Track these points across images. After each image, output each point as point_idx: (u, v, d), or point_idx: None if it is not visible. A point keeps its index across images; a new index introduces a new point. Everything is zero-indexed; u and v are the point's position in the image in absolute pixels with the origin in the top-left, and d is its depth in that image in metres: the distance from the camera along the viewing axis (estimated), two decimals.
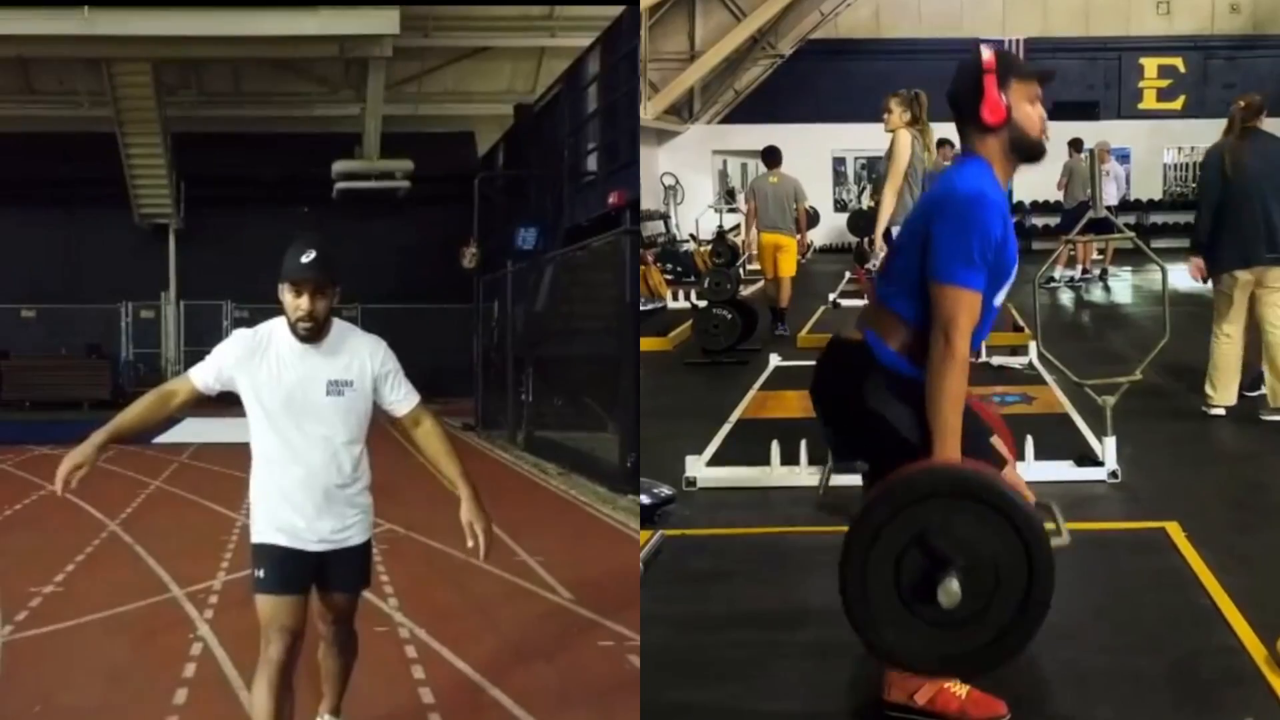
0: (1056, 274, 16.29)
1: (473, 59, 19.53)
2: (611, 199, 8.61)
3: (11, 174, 19.12)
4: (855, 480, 3.75)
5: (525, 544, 6.38)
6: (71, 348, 18.72)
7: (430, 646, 4.42)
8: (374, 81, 17.79)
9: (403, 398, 3.10)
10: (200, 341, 20.00)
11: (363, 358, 3.00)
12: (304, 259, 2.90)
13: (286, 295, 2.92)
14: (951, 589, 2.91)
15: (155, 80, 17.72)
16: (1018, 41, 26.12)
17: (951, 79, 3.24)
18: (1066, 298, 15.71)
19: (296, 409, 2.95)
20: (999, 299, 3.24)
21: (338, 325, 3.02)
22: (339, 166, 19.45)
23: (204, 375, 3.03)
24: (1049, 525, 3.14)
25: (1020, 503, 3.01)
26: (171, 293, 20.31)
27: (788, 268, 11.90)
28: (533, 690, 3.91)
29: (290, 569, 2.94)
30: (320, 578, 3.03)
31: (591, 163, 11.57)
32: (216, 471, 9.32)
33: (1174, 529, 4.88)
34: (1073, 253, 17.02)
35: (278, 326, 2.99)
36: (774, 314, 11.97)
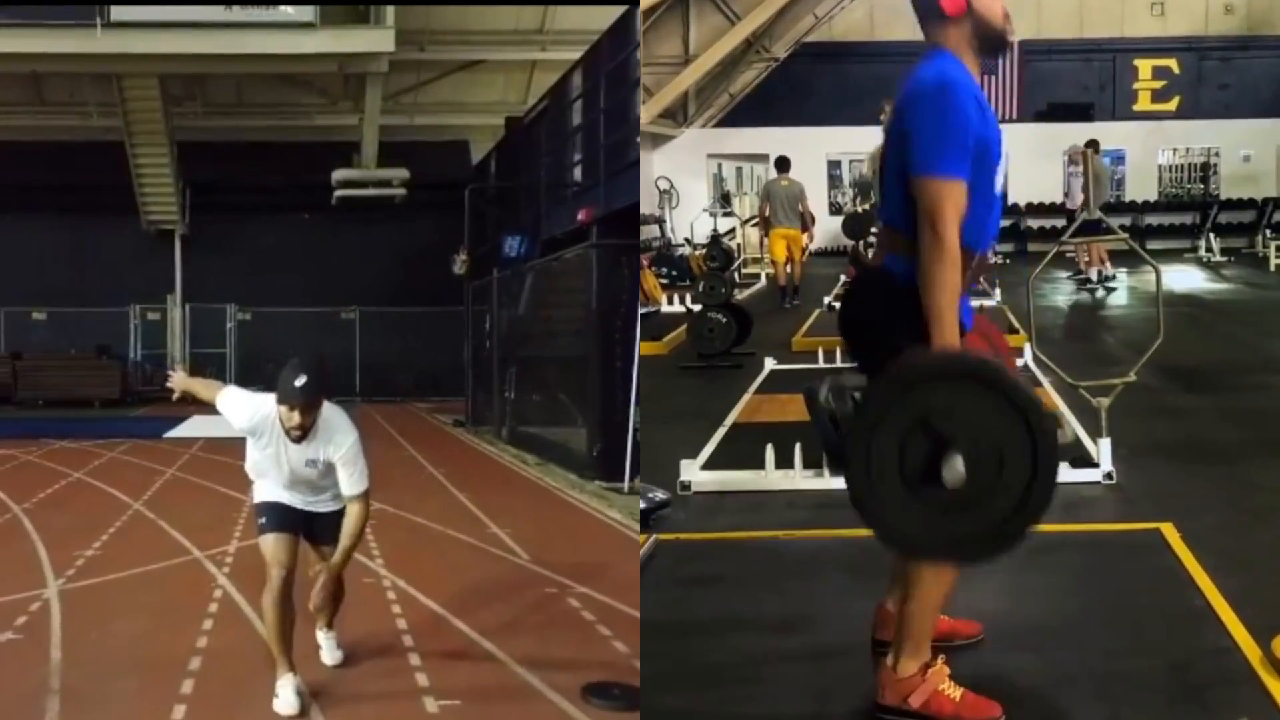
0: (1093, 274, 16.35)
1: (467, 71, 20.50)
2: (580, 215, 9.68)
3: (23, 181, 20.00)
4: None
5: (497, 521, 7.47)
6: (80, 349, 19.72)
7: (408, 592, 5.49)
8: (371, 94, 18.82)
9: (347, 484, 3.95)
10: (205, 343, 21.05)
11: (330, 450, 3.91)
12: (297, 383, 3.74)
13: (282, 409, 3.82)
14: (956, 467, 2.90)
15: (162, 93, 18.73)
16: (1012, 44, 26.96)
17: None
18: (1062, 299, 15.77)
19: (285, 470, 3.99)
20: (998, 184, 3.22)
21: (325, 415, 3.90)
22: (338, 174, 20.35)
23: (229, 411, 4.04)
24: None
25: (1024, 387, 2.99)
26: (177, 296, 21.26)
27: (798, 255, 15.79)
28: (487, 622, 4.96)
29: (284, 516, 4.01)
30: (308, 532, 4.10)
31: (578, 174, 12.60)
32: (224, 462, 10.33)
33: (1169, 530, 4.97)
34: (1070, 254, 16.92)
35: (274, 406, 3.89)
36: (783, 293, 15.49)
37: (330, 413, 3.94)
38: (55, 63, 17.36)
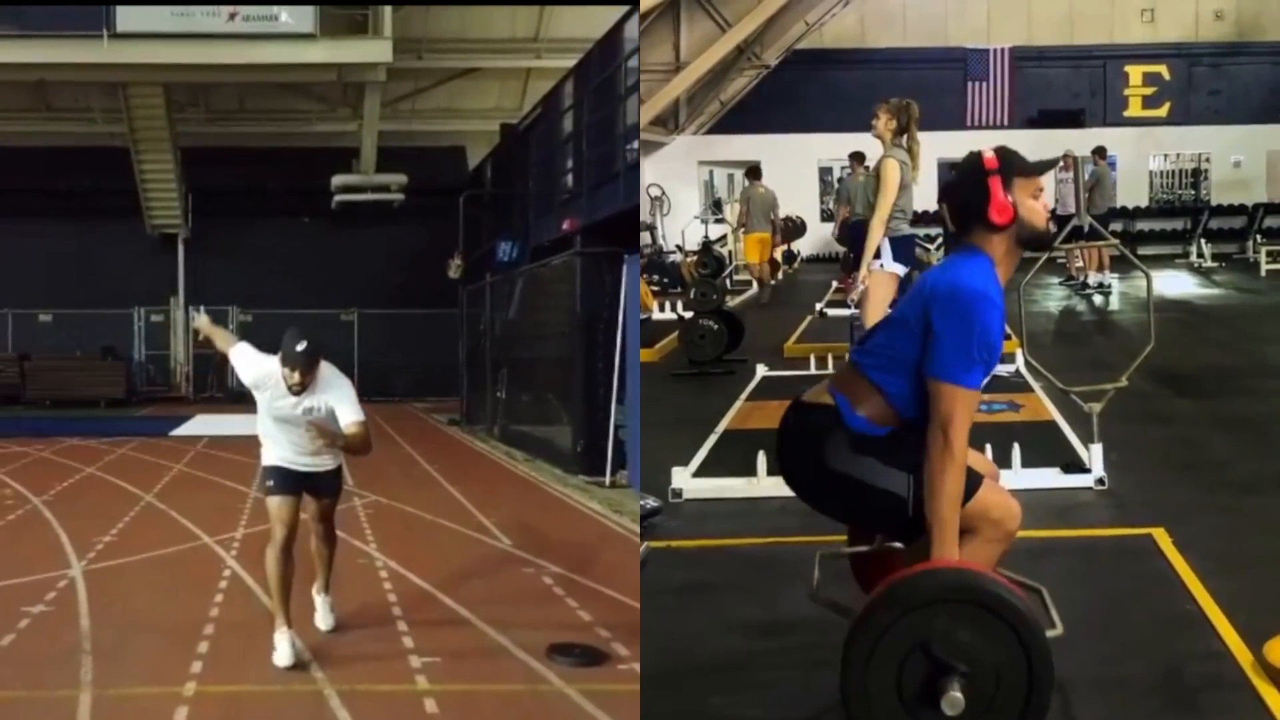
0: (1092, 280, 16.76)
1: (463, 79, 21.11)
2: (565, 224, 10.30)
3: (30, 186, 20.69)
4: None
5: (485, 511, 8.09)
6: (86, 350, 20.34)
7: (398, 571, 6.11)
8: (370, 102, 19.45)
9: (346, 415, 4.55)
10: (207, 344, 21.64)
11: (328, 398, 4.56)
12: (298, 348, 4.39)
13: (284, 370, 4.44)
14: (955, 699, 2.99)
15: (166, 100, 19.38)
16: (1003, 50, 27.31)
17: (953, 177, 3.43)
18: (1054, 305, 16.06)
19: (285, 422, 4.63)
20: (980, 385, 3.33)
21: (322, 373, 4.53)
22: (337, 180, 20.93)
23: (239, 364, 4.71)
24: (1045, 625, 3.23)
25: (1023, 608, 3.06)
26: (180, 298, 21.87)
27: (767, 256, 17.88)
28: (468, 596, 5.58)
29: (288, 480, 4.63)
30: (309, 487, 4.72)
31: (572, 180, 13.20)
32: (227, 458, 10.96)
33: (1160, 535, 5.05)
34: (1062, 260, 17.29)
35: (279, 366, 4.52)
36: (760, 284, 17.61)
37: (326, 369, 4.58)
38: (62, 72, 18.02)
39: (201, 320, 5.20)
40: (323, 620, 4.94)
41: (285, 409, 4.58)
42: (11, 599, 5.47)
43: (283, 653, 4.43)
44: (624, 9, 10.70)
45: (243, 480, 9.24)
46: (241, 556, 6.46)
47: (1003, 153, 3.31)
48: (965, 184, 3.32)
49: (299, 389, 4.48)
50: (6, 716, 3.96)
